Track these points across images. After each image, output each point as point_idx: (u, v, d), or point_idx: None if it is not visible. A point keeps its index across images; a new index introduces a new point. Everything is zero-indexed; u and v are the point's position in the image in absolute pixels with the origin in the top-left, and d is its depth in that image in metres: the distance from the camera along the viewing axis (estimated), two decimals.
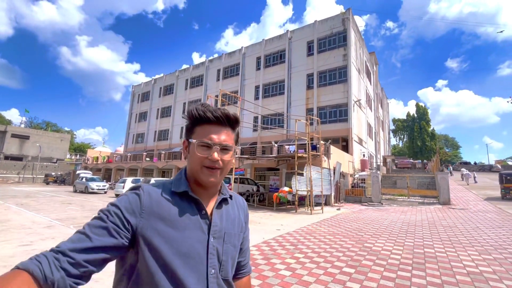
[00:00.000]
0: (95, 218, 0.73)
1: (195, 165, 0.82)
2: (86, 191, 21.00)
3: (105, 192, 21.53)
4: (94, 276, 0.70)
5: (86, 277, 0.66)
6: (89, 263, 0.65)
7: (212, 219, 0.84)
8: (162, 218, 0.76)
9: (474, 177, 24.28)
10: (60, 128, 70.78)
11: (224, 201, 0.91)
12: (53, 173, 36.35)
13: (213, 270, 0.80)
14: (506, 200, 14.72)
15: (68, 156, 55.45)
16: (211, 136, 0.82)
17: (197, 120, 0.84)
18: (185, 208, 0.80)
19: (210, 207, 0.87)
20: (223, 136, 0.84)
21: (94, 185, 21.17)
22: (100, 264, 0.68)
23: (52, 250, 0.64)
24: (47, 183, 33.54)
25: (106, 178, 33.08)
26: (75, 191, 22.10)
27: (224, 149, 0.83)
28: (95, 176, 24.69)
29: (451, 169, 34.23)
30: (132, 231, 0.74)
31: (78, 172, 31.48)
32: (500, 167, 34.85)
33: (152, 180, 17.93)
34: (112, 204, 0.75)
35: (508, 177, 15.17)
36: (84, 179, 22.30)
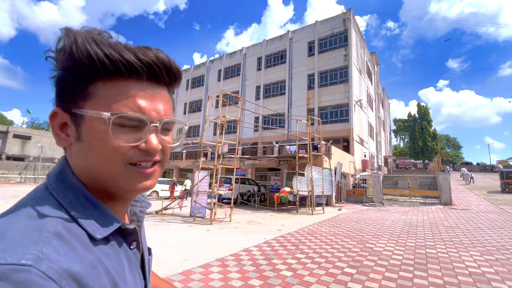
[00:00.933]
0: None
1: (108, 162, 0.41)
2: None
3: None
4: None
5: None
6: None
7: (142, 247, 0.52)
8: None
9: (471, 178, 25.03)
10: None
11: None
12: None
13: None
14: (505, 193, 17.91)
15: None
16: (140, 104, 0.42)
17: (98, 70, 0.40)
18: (120, 257, 0.43)
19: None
20: (160, 103, 0.45)
21: None
22: None
23: None
24: None
25: None
26: None
27: (165, 128, 0.46)
28: None
29: (449, 169, 34.29)
30: None
31: None
32: (502, 167, 34.77)
33: None
34: None
35: (507, 174, 18.74)
36: None
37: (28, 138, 47.34)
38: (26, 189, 23.53)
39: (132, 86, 0.42)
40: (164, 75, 0.45)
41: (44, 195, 0.40)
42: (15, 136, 46.15)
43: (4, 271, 0.28)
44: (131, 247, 0.47)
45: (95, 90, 0.41)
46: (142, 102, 0.42)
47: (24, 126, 58.22)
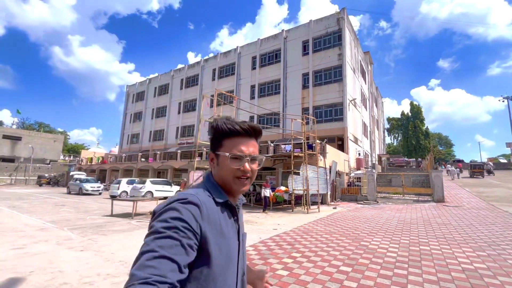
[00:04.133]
0: (162, 237, 0.69)
1: (227, 176, 0.89)
2: (80, 192, 20.72)
3: (100, 194, 21.28)
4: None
5: None
6: (180, 282, 0.69)
7: (239, 224, 0.94)
8: (215, 226, 0.81)
9: (458, 174, 27.69)
10: (53, 129, 69.65)
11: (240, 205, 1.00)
12: (46, 175, 35.80)
13: (241, 271, 0.90)
14: (473, 178, 26.25)
15: (61, 157, 54.67)
16: (241, 148, 0.89)
17: (225, 134, 0.90)
18: (226, 217, 0.87)
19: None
20: (251, 147, 0.91)
21: (88, 186, 20.91)
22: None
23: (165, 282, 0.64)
24: (40, 185, 33.03)
25: (101, 179, 32.69)
26: (68, 193, 21.79)
27: (253, 159, 0.92)
28: (89, 177, 24.38)
29: (442, 167, 35.04)
30: (199, 240, 0.77)
31: (72, 173, 31.04)
32: (492, 164, 35.55)
33: (148, 181, 17.78)
34: (174, 218, 0.73)
35: (473, 166, 28.15)
36: (78, 180, 22.01)
37: (18, 138, 46.29)
38: (17, 192, 23.05)
39: (238, 139, 0.90)
40: (252, 133, 0.92)
41: (201, 185, 0.91)
42: (5, 136, 45.05)
43: (195, 196, 0.80)
44: (234, 218, 0.91)
45: (224, 143, 0.91)
46: (242, 147, 0.90)
47: (14, 126, 57.04)
